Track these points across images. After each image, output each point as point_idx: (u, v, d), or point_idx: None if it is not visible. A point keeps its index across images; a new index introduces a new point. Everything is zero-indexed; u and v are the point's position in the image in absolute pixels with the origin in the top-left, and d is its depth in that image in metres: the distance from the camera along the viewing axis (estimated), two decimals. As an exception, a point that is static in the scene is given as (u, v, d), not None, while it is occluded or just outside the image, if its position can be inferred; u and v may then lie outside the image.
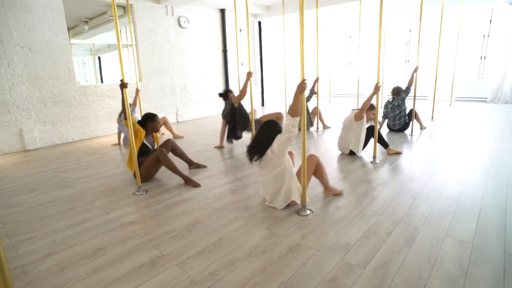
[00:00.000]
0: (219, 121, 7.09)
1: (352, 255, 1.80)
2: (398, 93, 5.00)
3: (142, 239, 2.09)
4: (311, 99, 5.29)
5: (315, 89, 5.29)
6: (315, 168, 2.53)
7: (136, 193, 2.92)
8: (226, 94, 4.62)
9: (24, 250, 2.03)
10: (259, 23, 9.14)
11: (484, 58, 8.40)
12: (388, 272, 1.63)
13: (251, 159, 2.40)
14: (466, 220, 2.15)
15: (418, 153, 3.88)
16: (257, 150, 2.36)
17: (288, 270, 1.68)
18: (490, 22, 8.12)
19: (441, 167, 3.29)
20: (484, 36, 8.30)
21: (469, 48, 8.51)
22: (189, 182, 3.08)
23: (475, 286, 1.51)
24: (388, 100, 5.14)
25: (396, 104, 4.99)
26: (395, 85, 5.14)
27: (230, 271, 1.70)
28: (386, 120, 5.27)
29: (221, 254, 1.87)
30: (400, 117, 5.02)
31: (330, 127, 5.70)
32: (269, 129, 2.38)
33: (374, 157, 3.54)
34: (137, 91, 4.98)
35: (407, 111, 5.10)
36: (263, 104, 9.69)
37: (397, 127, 5.08)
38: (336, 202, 2.53)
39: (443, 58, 7.94)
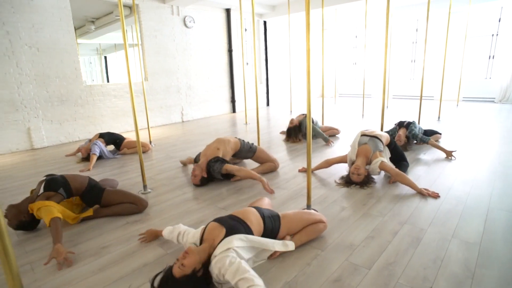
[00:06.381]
0: (223, 121, 7.13)
1: (357, 255, 1.79)
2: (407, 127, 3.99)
3: (147, 238, 2.10)
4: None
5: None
6: None
7: (141, 192, 2.94)
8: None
9: (31, 247, 2.05)
10: (265, 22, 9.13)
11: (493, 57, 8.28)
12: (393, 273, 1.62)
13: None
14: (473, 222, 2.12)
15: (424, 153, 3.84)
16: None
17: (293, 270, 1.68)
18: (499, 20, 8.00)
19: (447, 167, 3.25)
20: (492, 35, 8.18)
21: (477, 48, 8.39)
22: None
23: (482, 289, 1.49)
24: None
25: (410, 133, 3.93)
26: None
27: (234, 270, 1.70)
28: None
29: (225, 253, 1.87)
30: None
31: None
32: None
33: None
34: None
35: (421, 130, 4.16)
36: (268, 104, 9.68)
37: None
38: (341, 203, 2.52)
39: (450, 57, 7.84)
